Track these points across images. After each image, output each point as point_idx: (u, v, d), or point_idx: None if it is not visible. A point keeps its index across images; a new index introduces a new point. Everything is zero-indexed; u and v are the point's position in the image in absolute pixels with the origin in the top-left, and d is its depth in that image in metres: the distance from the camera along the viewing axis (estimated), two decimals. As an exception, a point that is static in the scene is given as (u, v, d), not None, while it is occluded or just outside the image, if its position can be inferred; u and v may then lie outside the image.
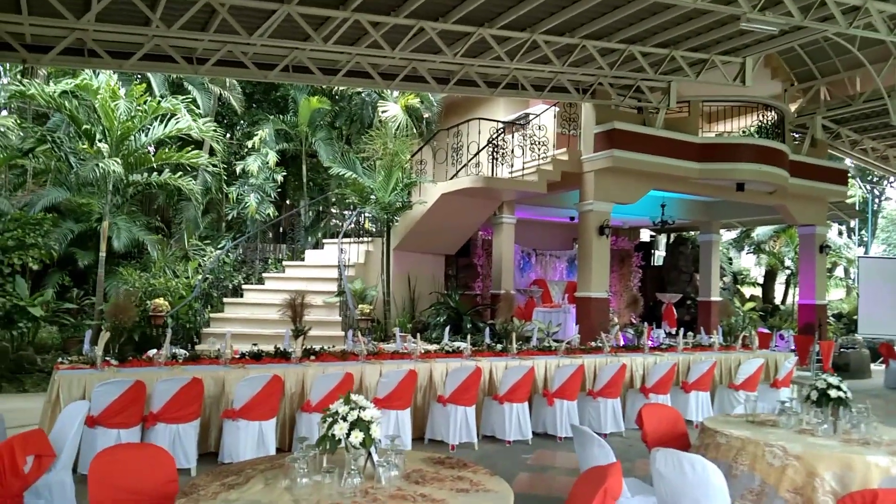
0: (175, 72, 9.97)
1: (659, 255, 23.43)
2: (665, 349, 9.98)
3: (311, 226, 15.13)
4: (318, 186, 15.95)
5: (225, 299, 12.55)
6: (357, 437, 2.95)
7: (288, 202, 17.10)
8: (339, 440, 2.96)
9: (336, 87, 13.91)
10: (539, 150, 12.74)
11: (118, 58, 8.50)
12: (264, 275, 13.46)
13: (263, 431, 6.24)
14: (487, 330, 9.29)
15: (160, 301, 10.39)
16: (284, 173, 14.38)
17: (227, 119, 15.59)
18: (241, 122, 15.24)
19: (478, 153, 12.44)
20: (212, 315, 12.06)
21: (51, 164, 12.31)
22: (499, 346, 8.72)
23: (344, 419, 2.99)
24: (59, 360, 6.61)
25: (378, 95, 13.17)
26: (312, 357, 7.45)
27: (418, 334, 9.18)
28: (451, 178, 12.44)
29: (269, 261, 13.85)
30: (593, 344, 9.64)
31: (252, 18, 7.92)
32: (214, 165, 12.91)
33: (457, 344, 9.48)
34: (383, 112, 12.24)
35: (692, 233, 20.67)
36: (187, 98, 11.70)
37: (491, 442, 7.59)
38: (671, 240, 21.88)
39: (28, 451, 3.56)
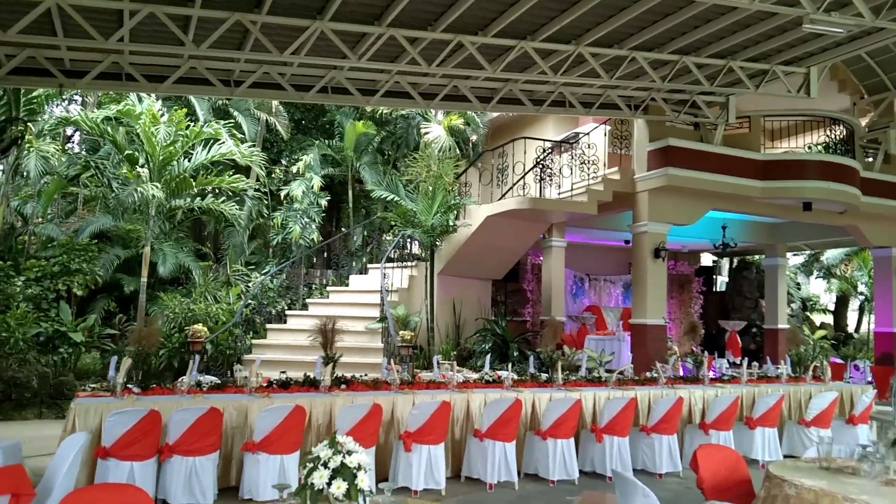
0: (211, 94, 9.91)
1: (722, 281, 22.30)
2: (727, 380, 9.21)
3: (356, 251, 14.89)
4: (365, 211, 15.73)
5: (268, 325, 12.35)
6: (340, 487, 2.50)
7: (336, 228, 16.98)
8: (320, 489, 2.51)
9: (381, 111, 13.71)
10: (589, 169, 12.20)
11: (154, 81, 8.44)
12: (308, 300, 13.23)
13: (285, 466, 5.85)
14: (532, 359, 8.73)
15: (198, 327, 10.19)
16: (328, 198, 14.21)
17: (274, 146, 15.59)
18: (288, 148, 15.21)
19: (525, 174, 11.97)
20: (254, 341, 11.87)
21: (98, 191, 12.43)
22: (543, 376, 8.15)
23: (325, 465, 2.54)
24: (82, 387, 6.39)
25: (422, 117, 12.89)
26: (343, 386, 7.06)
27: (455, 363, 8.73)
28: (498, 201, 11.99)
29: (314, 286, 13.63)
30: (648, 375, 8.97)
31: (284, 37, 7.72)
32: (257, 190, 12.81)
33: (501, 372, 8.99)
34: (426, 133, 11.94)
35: (757, 257, 19.62)
36: (228, 123, 11.65)
37: (533, 481, 7.02)
38: (734, 264, 20.83)
39: (2, 489, 3.23)
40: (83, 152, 12.79)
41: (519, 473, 6.93)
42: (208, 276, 12.25)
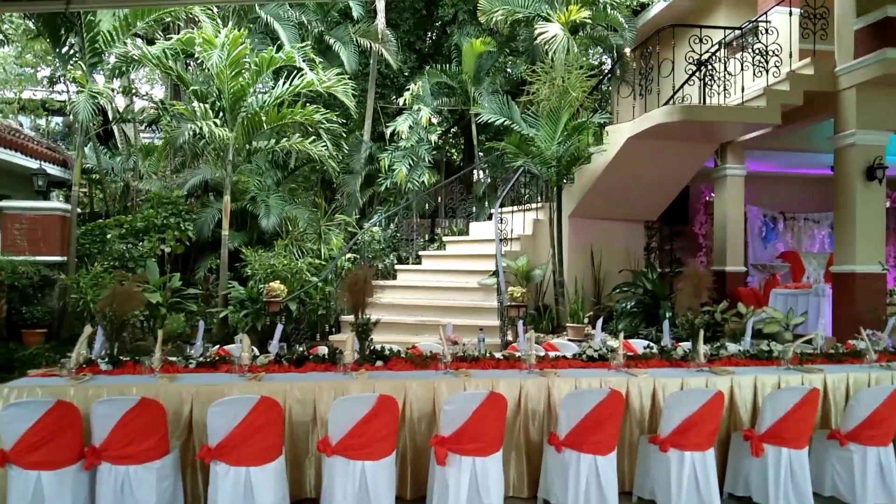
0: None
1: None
2: None
3: (482, 195, 12.78)
4: (493, 150, 13.53)
5: (374, 282, 10.73)
6: None
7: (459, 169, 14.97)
8: None
9: (501, 25, 11.32)
10: (769, 63, 8.97)
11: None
12: (422, 253, 11.46)
13: (252, 483, 4.04)
14: (666, 324, 6.16)
15: (275, 285, 8.84)
16: (439, 131, 12.16)
17: (388, 80, 13.82)
18: (400, 80, 13.35)
19: (687, 80, 8.98)
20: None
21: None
22: (679, 351, 5.61)
23: None
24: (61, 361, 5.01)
25: (543, 17, 10.32)
26: (379, 363, 5.12)
27: (598, 324, 6.47)
28: (642, 116, 9.23)
29: (431, 237, 11.81)
30: (853, 345, 6.06)
31: None
32: (344, 125, 11.13)
33: (636, 342, 6.60)
34: (540, 34, 9.43)
35: None
36: (306, 47, 9.95)
37: (648, 511, 4.64)
38: None
39: None
40: (152, 94, 11.87)
41: (629, 497, 4.60)
42: (298, 230, 10.84)
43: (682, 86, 9.17)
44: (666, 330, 6.18)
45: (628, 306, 9.26)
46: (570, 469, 4.36)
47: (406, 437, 4.65)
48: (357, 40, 12.11)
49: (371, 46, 12.09)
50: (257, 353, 5.27)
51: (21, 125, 17.32)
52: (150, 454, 4.08)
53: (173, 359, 5.16)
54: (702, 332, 5.37)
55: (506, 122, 9.46)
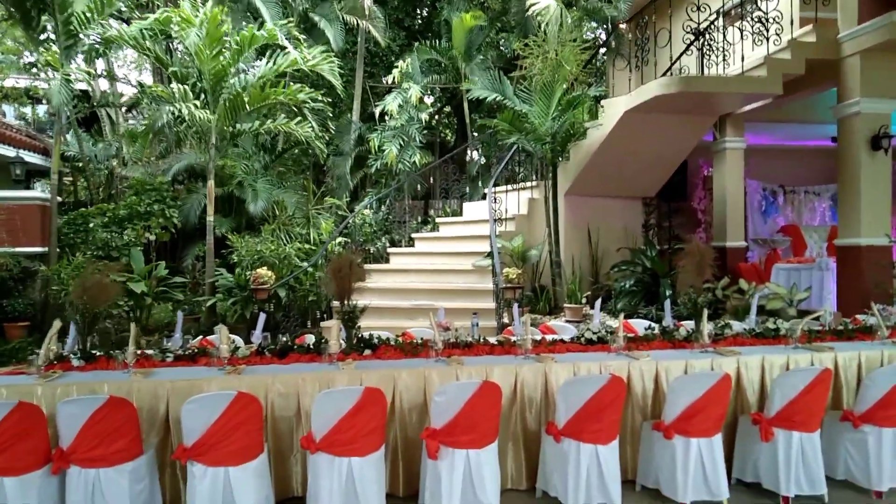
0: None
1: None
2: None
3: (475, 175, 12.47)
4: (486, 128, 13.20)
5: (366, 266, 10.46)
6: None
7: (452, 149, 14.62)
8: None
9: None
10: (769, 30, 8.65)
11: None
12: (415, 235, 11.18)
13: (232, 484, 3.80)
14: (667, 304, 5.91)
15: (262, 271, 8.57)
16: (430, 110, 11.82)
17: (377, 59, 13.43)
18: (389, 58, 12.96)
19: (685, 50, 8.64)
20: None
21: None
22: (682, 332, 5.35)
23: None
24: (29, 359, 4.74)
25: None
26: (367, 352, 4.86)
27: (597, 305, 6.22)
28: (638, 88, 8.91)
29: (424, 219, 11.52)
30: (861, 321, 5.83)
31: None
32: (333, 106, 10.79)
33: (636, 322, 6.38)
34: (532, 6, 9.08)
35: None
36: (290, 24, 9.55)
37: (651, 499, 4.40)
38: None
39: None
40: (130, 77, 11.47)
41: (625, 488, 4.36)
42: (286, 214, 10.54)
43: (679, 56, 8.85)
44: (667, 309, 5.93)
45: (627, 285, 9.01)
46: (570, 459, 4.11)
47: (397, 430, 4.40)
48: (343, 17, 11.72)
49: (358, 24, 11.71)
50: (239, 345, 5.02)
51: (4, 114, 16.93)
52: (122, 456, 3.82)
53: (150, 352, 4.90)
54: (705, 311, 5.11)
55: (498, 99, 9.14)
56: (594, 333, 5.18)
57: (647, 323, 5.99)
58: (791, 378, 4.39)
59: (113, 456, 3.80)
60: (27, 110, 19.69)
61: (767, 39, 8.64)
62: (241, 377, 4.32)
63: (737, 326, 5.76)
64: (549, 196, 9.52)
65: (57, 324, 4.70)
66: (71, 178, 12.66)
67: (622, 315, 5.19)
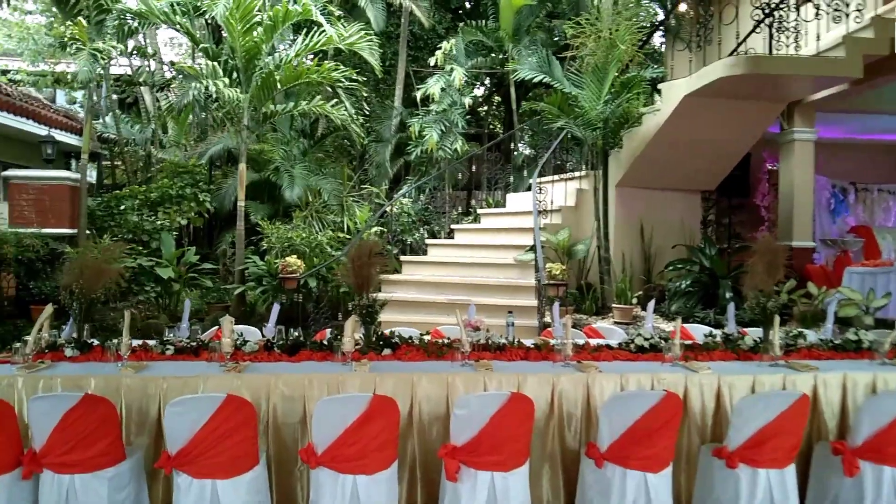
0: None
1: None
2: None
3: (522, 164, 11.81)
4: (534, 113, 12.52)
5: (403, 257, 9.97)
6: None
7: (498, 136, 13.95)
8: None
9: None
10: (849, 6, 7.78)
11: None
12: (455, 227, 10.62)
13: (220, 498, 3.31)
14: (730, 308, 5.21)
15: (292, 260, 8.13)
16: (474, 94, 11.21)
17: (423, 41, 12.87)
18: (433, 40, 12.38)
19: (754, 29, 7.82)
20: (382, 277, 9.58)
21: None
22: (748, 340, 4.66)
23: None
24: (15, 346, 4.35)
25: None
26: (386, 352, 4.33)
27: (649, 307, 5.58)
28: (701, 70, 8.16)
29: (466, 210, 10.96)
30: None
31: None
32: (375, 89, 10.27)
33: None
34: (586, -20, 8.40)
35: None
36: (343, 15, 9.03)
37: (711, 540, 3.75)
38: None
39: None
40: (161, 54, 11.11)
41: (683, 524, 3.74)
42: (319, 201, 10.10)
43: (747, 36, 8.06)
44: (730, 314, 5.24)
45: (683, 285, 8.28)
46: (614, 488, 3.51)
47: (415, 444, 3.86)
48: (384, -3, 11.22)
49: (402, 4, 11.18)
50: (249, 338, 4.55)
51: (54, 99, 16.99)
52: (101, 461, 3.38)
53: (151, 343, 4.48)
54: (776, 318, 4.42)
55: (546, 81, 8.50)
56: (646, 339, 4.54)
57: (706, 329, 5.30)
58: (883, 402, 3.69)
59: (91, 461, 3.36)
60: (78, 94, 19.86)
61: (847, 16, 7.78)
62: (241, 376, 3.84)
63: (810, 336, 5.04)
64: (599, 187, 8.84)
65: (49, 308, 4.32)
66: (109, 161, 12.50)
67: (678, 319, 4.52)
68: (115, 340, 4.17)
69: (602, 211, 8.83)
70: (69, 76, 17.56)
